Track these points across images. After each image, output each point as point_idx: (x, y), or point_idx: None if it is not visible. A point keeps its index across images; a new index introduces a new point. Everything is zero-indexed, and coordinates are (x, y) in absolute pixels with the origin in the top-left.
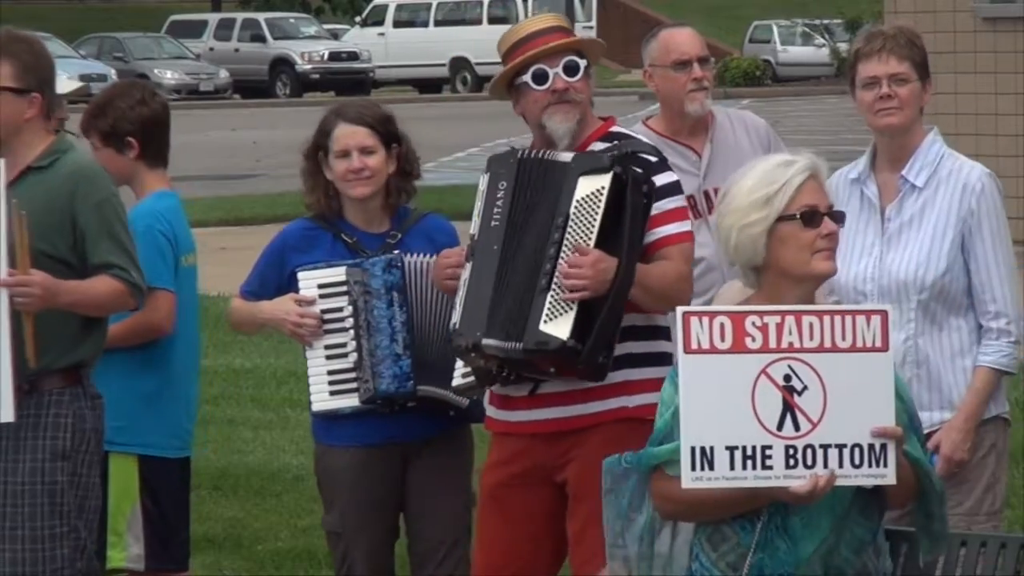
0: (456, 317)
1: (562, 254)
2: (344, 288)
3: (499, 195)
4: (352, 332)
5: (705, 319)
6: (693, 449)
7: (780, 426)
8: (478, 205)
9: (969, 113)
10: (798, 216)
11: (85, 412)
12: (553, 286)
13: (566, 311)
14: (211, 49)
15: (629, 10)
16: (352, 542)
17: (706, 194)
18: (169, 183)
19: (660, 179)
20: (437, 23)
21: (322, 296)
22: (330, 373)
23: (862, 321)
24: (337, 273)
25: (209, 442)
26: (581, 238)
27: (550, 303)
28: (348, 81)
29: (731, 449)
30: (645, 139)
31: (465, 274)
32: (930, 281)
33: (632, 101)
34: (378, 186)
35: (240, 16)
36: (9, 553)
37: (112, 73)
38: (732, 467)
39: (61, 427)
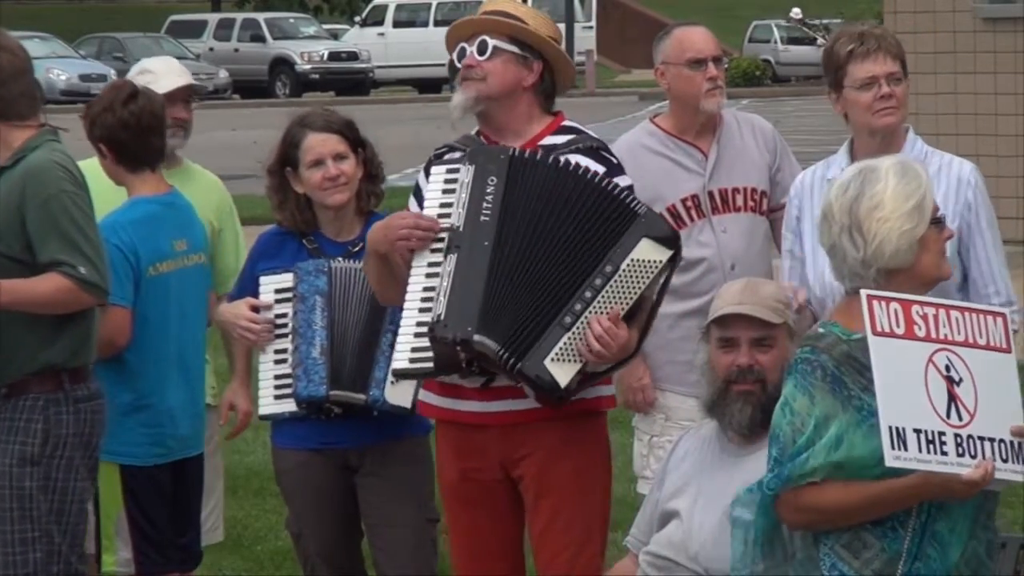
0: (441, 308)
1: (596, 302)
2: (291, 294)
3: (488, 190)
4: (290, 337)
5: (883, 303)
6: (891, 428)
7: (948, 414)
8: (461, 196)
9: (969, 113)
10: (941, 220)
11: (63, 416)
12: (575, 329)
13: (574, 361)
14: (211, 49)
15: (629, 10)
16: (309, 543)
17: (710, 194)
18: (160, 186)
19: (622, 181)
20: (437, 23)
21: (277, 301)
22: (276, 378)
23: (990, 321)
24: (288, 279)
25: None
26: (620, 299)
27: (564, 344)
28: (347, 81)
29: (917, 432)
30: (597, 136)
31: (448, 266)
32: None
33: (632, 101)
34: (353, 192)
35: (240, 16)
36: None
37: (112, 73)
38: (920, 449)
39: (31, 432)
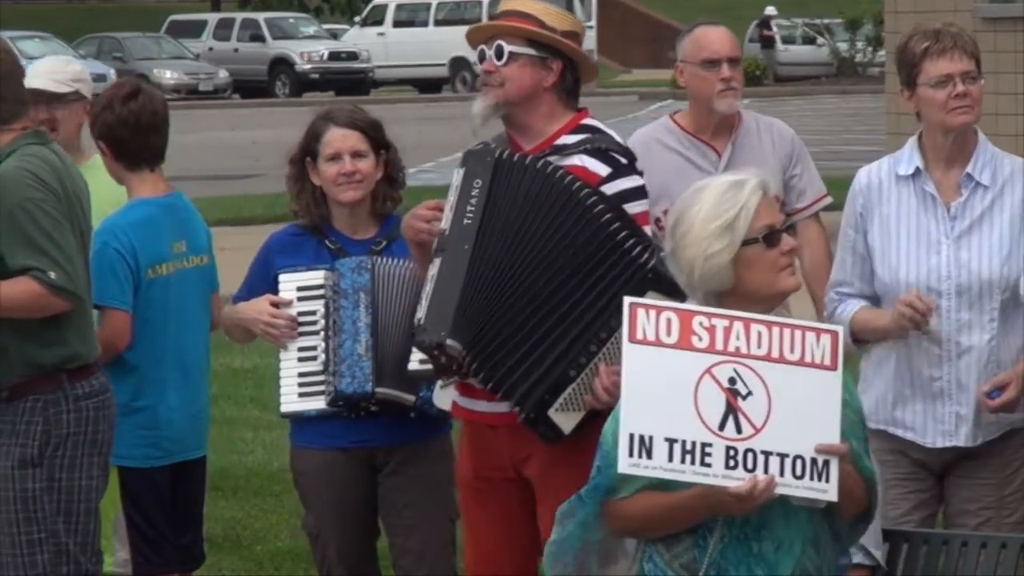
0: (421, 313)
1: (602, 354)
2: (321, 292)
3: (473, 193)
4: (323, 334)
5: (652, 312)
6: (632, 436)
7: (722, 427)
8: (451, 199)
9: None
10: (760, 239)
11: (63, 416)
12: (580, 380)
13: (578, 409)
14: (210, 49)
15: (629, 10)
16: (328, 543)
17: None
18: (160, 186)
19: (627, 182)
20: (437, 23)
21: (300, 299)
22: (300, 375)
23: (811, 337)
24: (316, 276)
25: (209, 442)
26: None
27: (569, 395)
28: (348, 81)
29: (671, 441)
30: (617, 137)
31: (433, 270)
32: (1014, 279)
33: (632, 101)
34: (367, 191)
35: (239, 16)
36: None
37: (112, 73)
38: (671, 459)
39: (30, 435)
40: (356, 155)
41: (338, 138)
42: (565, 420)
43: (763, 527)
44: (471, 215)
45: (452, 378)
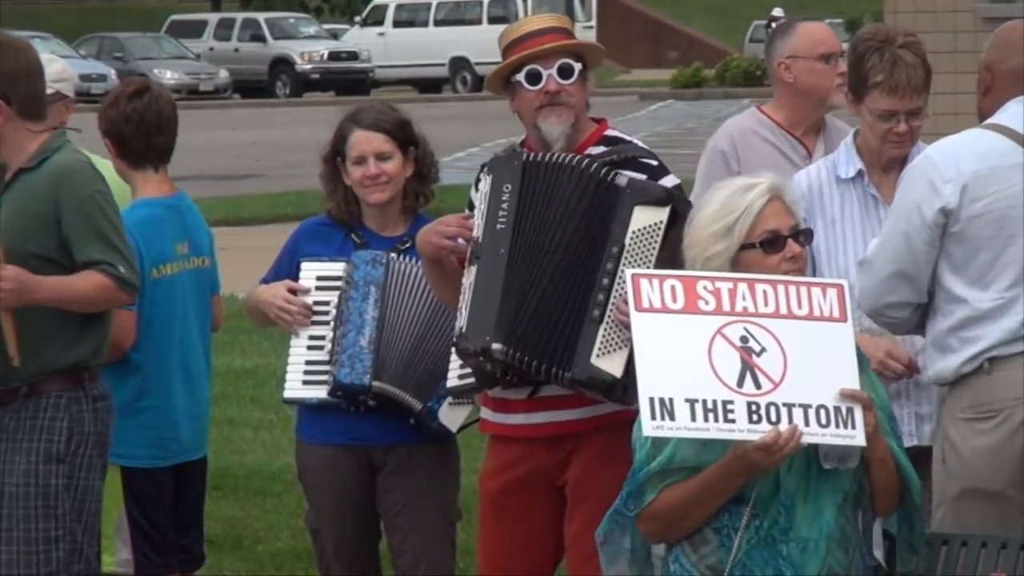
0: (462, 321)
1: (616, 286)
2: (339, 283)
3: (504, 198)
4: (332, 324)
5: (655, 280)
6: (652, 399)
7: (740, 383)
8: (481, 207)
9: (969, 113)
10: (758, 245)
11: (84, 415)
12: (607, 319)
13: (620, 348)
14: (211, 49)
15: (629, 10)
16: (327, 539)
17: None
18: (164, 186)
19: (664, 183)
20: (437, 23)
21: (318, 288)
22: (307, 363)
23: (817, 292)
24: (336, 267)
25: (209, 442)
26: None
27: (603, 337)
28: (348, 81)
29: (691, 402)
30: (639, 142)
31: (469, 278)
32: None
33: (632, 101)
34: (395, 191)
35: (240, 16)
36: (4, 555)
37: (112, 73)
38: (693, 418)
39: (56, 430)
40: (381, 157)
41: (362, 141)
42: (610, 364)
43: (789, 529)
44: (504, 220)
45: (495, 387)
